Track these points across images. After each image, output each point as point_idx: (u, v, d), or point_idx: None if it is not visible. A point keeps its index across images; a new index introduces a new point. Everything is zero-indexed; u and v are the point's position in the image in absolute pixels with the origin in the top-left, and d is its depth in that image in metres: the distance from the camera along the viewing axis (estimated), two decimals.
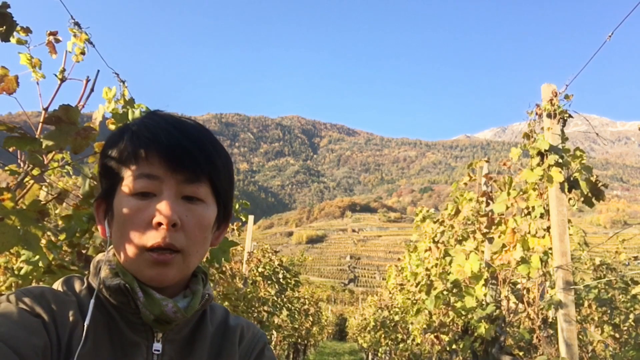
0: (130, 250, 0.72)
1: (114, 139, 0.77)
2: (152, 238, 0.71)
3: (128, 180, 0.73)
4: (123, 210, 0.72)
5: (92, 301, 0.71)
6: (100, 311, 0.73)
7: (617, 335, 3.93)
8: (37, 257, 1.47)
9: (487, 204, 3.61)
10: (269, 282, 6.89)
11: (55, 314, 0.68)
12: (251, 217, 6.57)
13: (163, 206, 0.71)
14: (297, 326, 11.93)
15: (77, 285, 0.76)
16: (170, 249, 0.72)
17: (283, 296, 7.78)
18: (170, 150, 0.72)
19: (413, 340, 5.55)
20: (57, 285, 0.76)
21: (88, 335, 0.69)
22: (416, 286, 4.89)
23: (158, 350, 0.74)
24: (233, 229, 4.97)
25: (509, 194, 2.98)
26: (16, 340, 0.61)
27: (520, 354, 3.06)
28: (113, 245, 0.76)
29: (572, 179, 2.65)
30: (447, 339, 3.92)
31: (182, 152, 0.73)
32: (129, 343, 0.73)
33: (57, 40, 1.67)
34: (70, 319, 0.69)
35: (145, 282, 0.73)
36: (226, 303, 4.55)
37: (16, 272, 1.56)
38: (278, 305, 7.15)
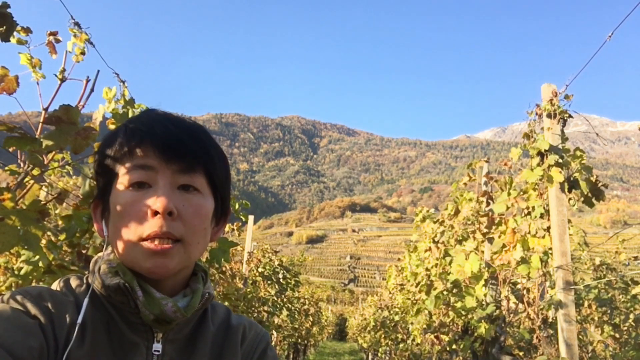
0: (127, 242, 0.71)
1: (109, 137, 0.77)
2: (149, 227, 0.70)
3: (123, 174, 0.72)
4: (119, 203, 0.72)
5: (86, 300, 0.70)
6: (99, 310, 0.72)
7: (617, 335, 3.92)
8: (37, 257, 1.47)
9: (487, 204, 3.61)
10: (269, 282, 6.88)
11: (53, 315, 0.67)
12: (251, 217, 6.57)
13: (158, 195, 0.70)
14: (297, 326, 11.92)
15: (76, 285, 0.75)
16: (169, 238, 0.71)
17: (283, 296, 7.77)
18: (165, 140, 0.72)
19: (413, 340, 5.55)
20: (56, 285, 0.75)
21: (84, 334, 0.68)
22: (416, 286, 4.89)
23: (158, 351, 0.73)
24: (233, 229, 4.97)
25: (509, 194, 2.98)
26: (11, 341, 0.60)
27: (520, 354, 3.05)
28: (110, 241, 0.75)
29: (572, 179, 2.65)
30: (447, 339, 3.91)
31: (177, 142, 0.73)
32: (129, 343, 0.72)
33: (57, 41, 1.67)
34: (68, 319, 0.68)
35: (145, 275, 0.72)
36: (226, 303, 4.54)
37: (16, 272, 1.56)
38: (278, 305, 7.15)
